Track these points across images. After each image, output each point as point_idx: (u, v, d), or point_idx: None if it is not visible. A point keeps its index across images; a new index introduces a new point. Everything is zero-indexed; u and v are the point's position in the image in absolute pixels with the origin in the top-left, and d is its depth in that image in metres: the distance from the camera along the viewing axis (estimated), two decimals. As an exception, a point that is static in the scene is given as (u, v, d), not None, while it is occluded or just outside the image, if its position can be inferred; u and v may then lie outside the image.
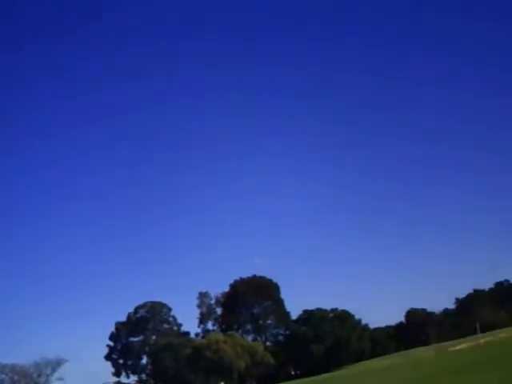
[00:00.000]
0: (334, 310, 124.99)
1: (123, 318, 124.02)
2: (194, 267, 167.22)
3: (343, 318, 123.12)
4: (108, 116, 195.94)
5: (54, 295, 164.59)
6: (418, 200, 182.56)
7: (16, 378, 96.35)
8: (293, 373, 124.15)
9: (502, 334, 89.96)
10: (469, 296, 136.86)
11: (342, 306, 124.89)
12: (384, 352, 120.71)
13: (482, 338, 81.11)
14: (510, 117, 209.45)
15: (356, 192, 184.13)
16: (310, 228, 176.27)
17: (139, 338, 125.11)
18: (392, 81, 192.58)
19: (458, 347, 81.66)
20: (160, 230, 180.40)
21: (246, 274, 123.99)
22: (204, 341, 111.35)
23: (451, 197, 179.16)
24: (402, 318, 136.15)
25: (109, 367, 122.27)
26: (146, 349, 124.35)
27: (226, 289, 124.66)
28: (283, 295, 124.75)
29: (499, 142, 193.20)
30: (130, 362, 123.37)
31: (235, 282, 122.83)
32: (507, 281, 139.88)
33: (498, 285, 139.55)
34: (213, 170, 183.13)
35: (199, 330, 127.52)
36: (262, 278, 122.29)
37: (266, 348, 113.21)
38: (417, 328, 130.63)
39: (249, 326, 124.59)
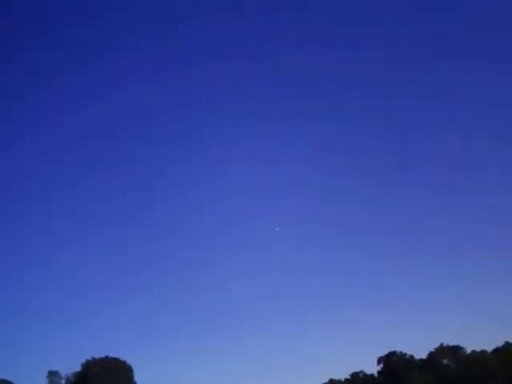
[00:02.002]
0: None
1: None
2: (44, 344, 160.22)
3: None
4: None
5: None
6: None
7: None
8: None
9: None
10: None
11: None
12: None
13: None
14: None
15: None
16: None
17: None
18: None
19: None
20: (13, 303, 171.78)
21: (99, 354, 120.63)
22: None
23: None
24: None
25: None
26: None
27: (78, 369, 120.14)
28: (137, 378, 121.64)
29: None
30: None
31: (87, 362, 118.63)
32: (362, 371, 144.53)
33: (354, 375, 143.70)
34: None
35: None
36: (115, 360, 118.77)
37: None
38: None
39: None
